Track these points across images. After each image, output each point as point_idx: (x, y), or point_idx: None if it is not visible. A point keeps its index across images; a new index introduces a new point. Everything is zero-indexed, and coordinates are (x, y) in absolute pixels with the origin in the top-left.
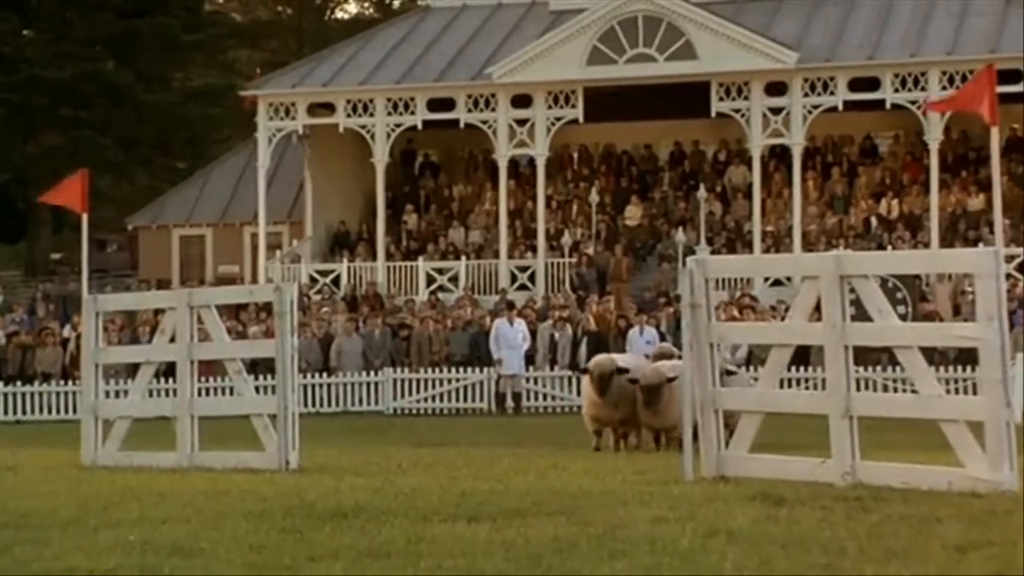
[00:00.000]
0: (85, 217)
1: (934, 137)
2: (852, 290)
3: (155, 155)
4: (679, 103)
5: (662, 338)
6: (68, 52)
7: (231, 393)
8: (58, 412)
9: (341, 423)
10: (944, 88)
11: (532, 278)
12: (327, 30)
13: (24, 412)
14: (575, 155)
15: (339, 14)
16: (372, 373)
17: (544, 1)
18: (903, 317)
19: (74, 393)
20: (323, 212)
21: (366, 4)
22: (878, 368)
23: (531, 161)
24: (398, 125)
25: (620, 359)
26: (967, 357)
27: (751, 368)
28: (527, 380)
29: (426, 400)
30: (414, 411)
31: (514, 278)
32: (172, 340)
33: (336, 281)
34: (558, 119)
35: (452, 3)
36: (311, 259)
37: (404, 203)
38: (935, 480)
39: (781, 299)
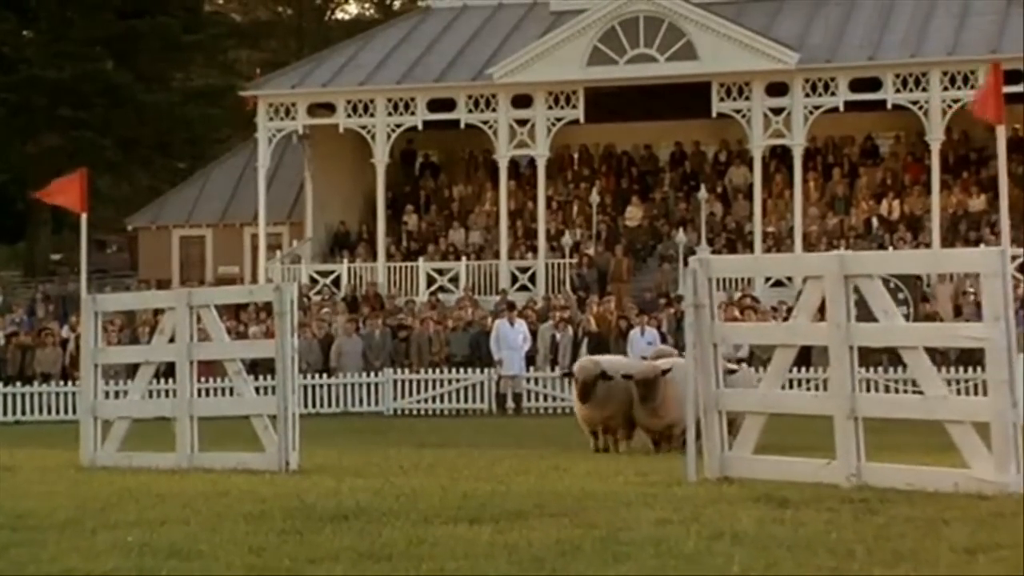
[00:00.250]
0: (84, 217)
1: (935, 138)
2: (856, 290)
3: (155, 155)
4: (680, 103)
5: (663, 339)
6: (68, 52)
7: (231, 394)
8: (57, 413)
9: (341, 424)
10: (945, 88)
11: (533, 279)
12: (327, 30)
13: (23, 413)
14: (575, 156)
15: (339, 15)
16: (372, 374)
17: (545, 1)
18: (905, 318)
19: (74, 394)
20: (323, 212)
21: (366, 5)
22: (879, 369)
23: (531, 161)
24: (398, 125)
25: (606, 361)
26: (968, 358)
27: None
28: (528, 381)
29: (426, 401)
30: (414, 412)
31: (515, 279)
32: (171, 340)
33: (336, 282)
34: (558, 119)
35: (452, 3)
36: (311, 260)
37: (404, 203)
38: (941, 482)
39: (782, 300)
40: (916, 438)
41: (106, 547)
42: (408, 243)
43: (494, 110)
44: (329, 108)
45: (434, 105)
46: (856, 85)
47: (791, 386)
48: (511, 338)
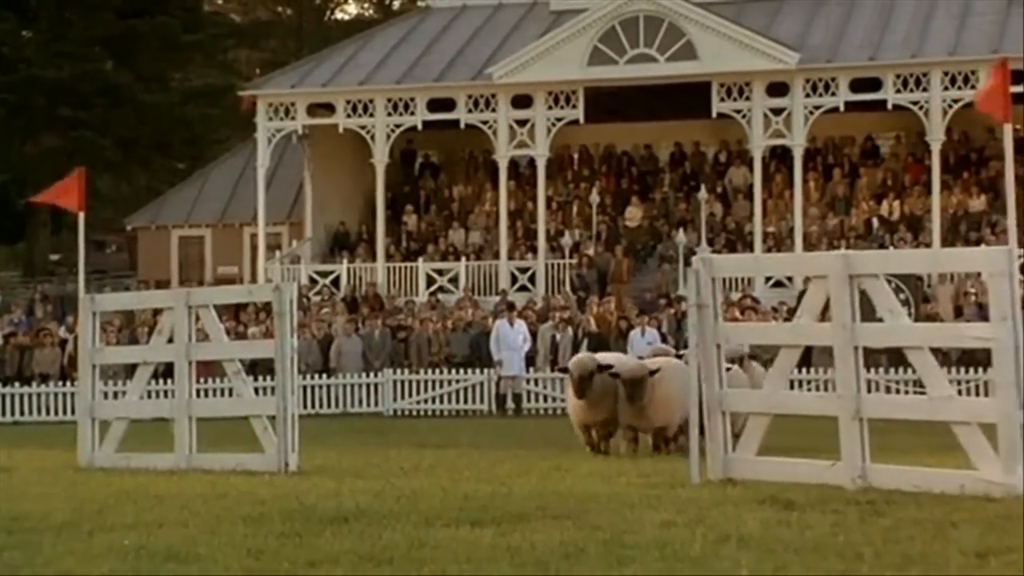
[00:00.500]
0: (82, 216)
1: (935, 138)
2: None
3: (154, 155)
4: (680, 103)
5: (663, 339)
6: (67, 52)
7: (230, 394)
8: (56, 413)
9: (341, 425)
10: (946, 88)
11: (532, 279)
12: (327, 30)
13: (22, 413)
14: (575, 156)
15: (339, 15)
16: (372, 374)
17: (545, 1)
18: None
19: (72, 394)
20: (323, 213)
21: (366, 5)
22: (879, 370)
23: (531, 162)
24: (398, 125)
25: (603, 358)
26: (970, 359)
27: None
28: (528, 381)
29: (426, 401)
30: (414, 412)
31: (514, 279)
32: (170, 340)
33: (336, 282)
34: (558, 120)
35: (452, 3)
36: (311, 260)
37: (404, 204)
38: (947, 483)
39: (782, 300)
40: (918, 439)
41: (102, 550)
42: (408, 243)
43: (494, 110)
44: (329, 108)
45: (434, 105)
46: (856, 85)
47: (791, 387)
48: (511, 339)
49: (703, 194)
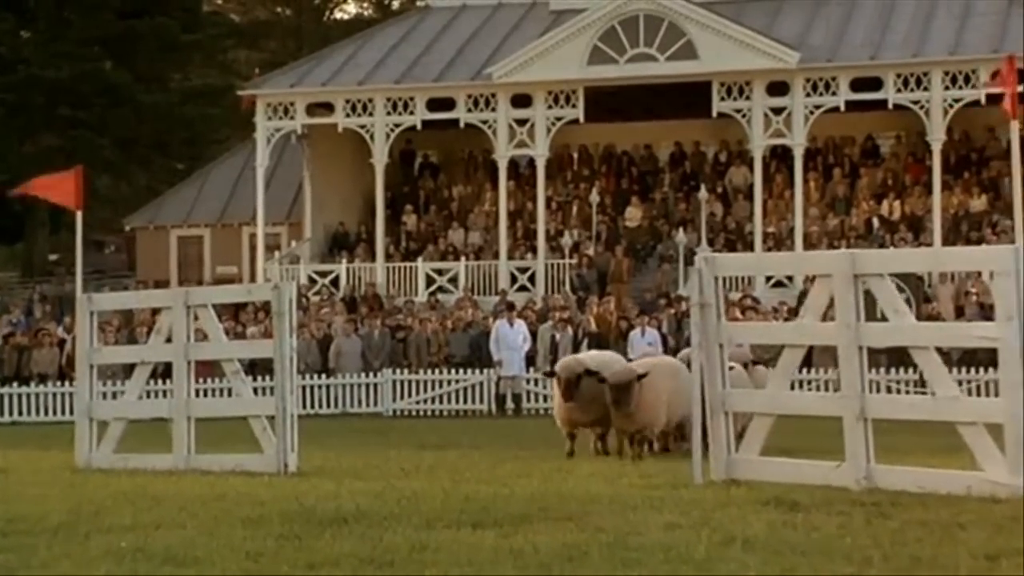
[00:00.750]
0: (79, 214)
1: (936, 138)
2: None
3: (153, 155)
4: (680, 103)
5: (664, 339)
6: (66, 52)
7: (229, 394)
8: (55, 413)
9: (340, 425)
10: (947, 88)
11: (532, 279)
12: (326, 30)
13: (21, 413)
14: (575, 155)
15: (338, 14)
16: (371, 374)
17: (544, 1)
18: None
19: (71, 394)
20: (322, 213)
21: (365, 4)
22: (879, 370)
23: (531, 161)
24: (397, 125)
25: (590, 359)
26: (971, 359)
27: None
28: (527, 382)
29: (426, 402)
30: (414, 413)
31: (514, 279)
32: (169, 340)
33: (335, 282)
34: (558, 119)
35: (452, 3)
36: (310, 260)
37: (403, 204)
38: (953, 484)
39: (783, 300)
40: (921, 439)
41: (99, 553)
42: (407, 243)
43: (493, 110)
44: (328, 108)
45: (433, 105)
46: (857, 85)
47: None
48: (511, 339)
49: (703, 194)
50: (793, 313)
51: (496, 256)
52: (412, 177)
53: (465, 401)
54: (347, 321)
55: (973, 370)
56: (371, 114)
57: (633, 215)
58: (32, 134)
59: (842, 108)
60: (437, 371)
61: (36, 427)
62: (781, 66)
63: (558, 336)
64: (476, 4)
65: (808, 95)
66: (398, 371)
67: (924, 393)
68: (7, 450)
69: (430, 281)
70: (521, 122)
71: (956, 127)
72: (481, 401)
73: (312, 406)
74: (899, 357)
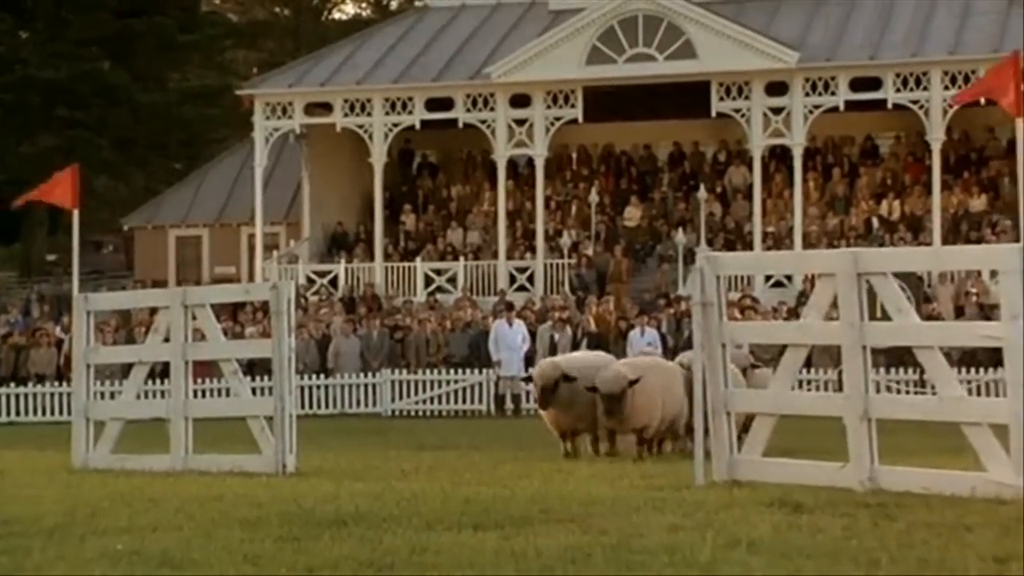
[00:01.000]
0: (76, 213)
1: (936, 138)
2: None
3: (151, 155)
4: (679, 103)
5: (663, 339)
6: (64, 52)
7: (227, 394)
8: (52, 414)
9: (339, 425)
10: (947, 88)
11: (531, 279)
12: (324, 30)
13: (18, 414)
14: (574, 155)
15: (336, 14)
16: (370, 375)
17: (543, 1)
18: None
19: (68, 394)
20: (320, 212)
21: (363, 4)
22: (880, 370)
23: (530, 161)
24: (396, 125)
25: (567, 362)
26: (971, 359)
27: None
28: (526, 381)
29: (425, 402)
30: (413, 413)
31: (513, 279)
32: (166, 340)
33: (334, 282)
34: (557, 119)
35: (450, 2)
36: (308, 260)
37: (402, 203)
38: (957, 485)
39: (782, 300)
40: (922, 439)
41: (95, 555)
42: (406, 243)
43: (492, 109)
44: (326, 107)
45: (432, 104)
46: (856, 84)
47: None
48: (510, 339)
49: (702, 194)
50: (792, 313)
51: (495, 256)
52: (411, 177)
53: (464, 401)
54: (346, 321)
55: (974, 370)
56: (369, 114)
57: (632, 215)
58: (30, 134)
59: (841, 108)
60: (436, 371)
61: (33, 427)
62: (780, 66)
63: (557, 336)
64: (475, 4)
65: (807, 95)
66: (397, 371)
67: (924, 393)
68: (3, 450)
69: (429, 281)
70: (520, 122)
71: (955, 127)
72: (480, 401)
73: (311, 406)
74: (898, 357)
